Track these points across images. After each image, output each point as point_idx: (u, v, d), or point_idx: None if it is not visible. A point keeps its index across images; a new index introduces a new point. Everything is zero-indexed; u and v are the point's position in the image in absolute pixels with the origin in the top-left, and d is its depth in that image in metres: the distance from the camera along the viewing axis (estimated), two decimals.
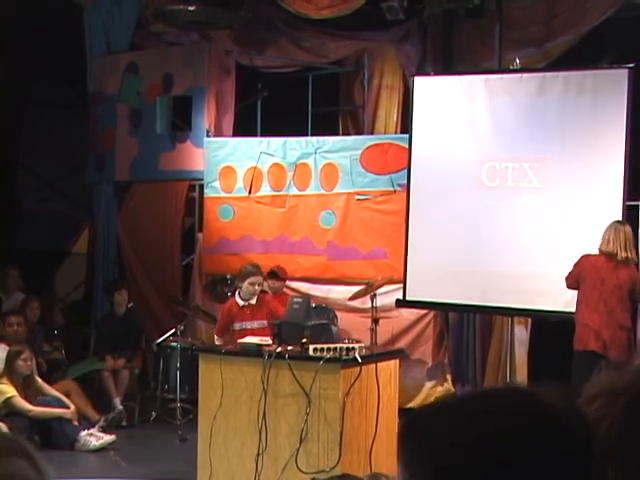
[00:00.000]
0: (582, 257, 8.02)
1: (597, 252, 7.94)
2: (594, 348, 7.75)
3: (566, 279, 8.09)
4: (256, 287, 8.40)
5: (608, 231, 7.93)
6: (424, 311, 10.03)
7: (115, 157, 11.67)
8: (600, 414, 1.51)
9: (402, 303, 9.69)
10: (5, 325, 9.59)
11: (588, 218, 8.65)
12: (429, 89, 9.63)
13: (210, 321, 10.28)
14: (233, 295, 8.69)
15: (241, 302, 8.44)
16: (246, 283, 8.38)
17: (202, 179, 10.94)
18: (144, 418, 9.80)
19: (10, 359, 8.95)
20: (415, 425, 1.36)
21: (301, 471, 6.64)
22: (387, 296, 9.68)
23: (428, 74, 10.14)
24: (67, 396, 9.18)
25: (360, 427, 6.82)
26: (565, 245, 8.78)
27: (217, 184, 10.78)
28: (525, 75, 9.21)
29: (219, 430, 6.98)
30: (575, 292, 8.08)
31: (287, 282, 9.87)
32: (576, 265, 8.00)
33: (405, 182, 9.66)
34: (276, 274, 9.48)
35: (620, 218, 8.30)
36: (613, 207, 8.53)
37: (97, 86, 11.87)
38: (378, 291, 9.17)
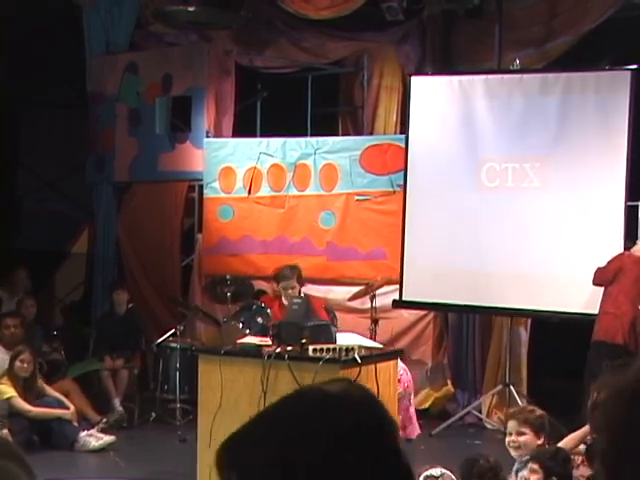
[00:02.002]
0: (622, 253, 8.15)
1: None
2: (620, 342, 7.80)
3: (600, 273, 8.08)
4: (289, 291, 8.36)
5: None
6: (424, 312, 10.03)
7: (115, 157, 11.67)
8: (610, 415, 1.53)
9: (399, 303, 9.69)
10: (2, 327, 9.57)
11: (589, 218, 8.66)
12: (427, 89, 9.63)
13: (210, 322, 10.28)
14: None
15: (286, 302, 8.52)
16: (280, 287, 8.49)
17: (202, 179, 10.94)
18: (144, 419, 9.79)
19: (12, 360, 8.95)
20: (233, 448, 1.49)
21: None
22: (386, 296, 9.68)
23: (425, 74, 10.15)
24: (66, 396, 9.17)
25: None
26: (566, 245, 8.78)
27: (217, 184, 10.78)
28: (525, 75, 9.21)
29: (219, 430, 6.96)
30: (574, 292, 8.08)
31: None
32: (615, 260, 8.08)
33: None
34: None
35: (622, 219, 8.34)
36: (614, 207, 8.54)
37: (96, 86, 11.87)
38: (377, 291, 9.17)
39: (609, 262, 8.09)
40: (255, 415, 1.50)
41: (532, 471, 5.09)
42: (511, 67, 9.53)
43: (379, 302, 9.13)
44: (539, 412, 5.58)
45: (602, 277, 8.10)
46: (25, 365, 8.92)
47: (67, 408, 8.98)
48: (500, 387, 9.56)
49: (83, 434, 8.80)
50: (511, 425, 5.60)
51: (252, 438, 1.43)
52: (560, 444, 5.64)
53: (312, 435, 1.37)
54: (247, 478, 1.40)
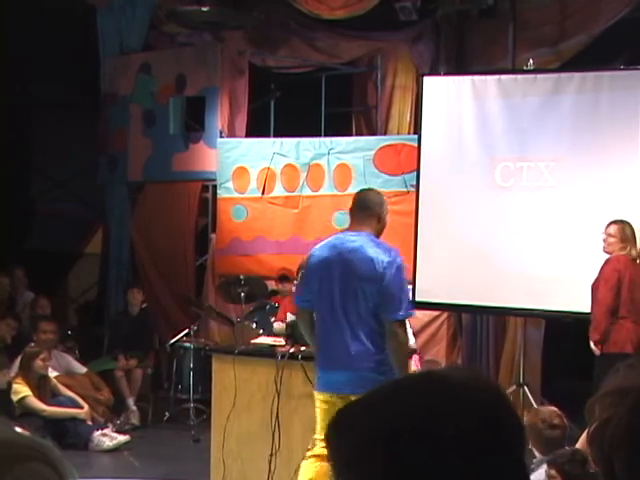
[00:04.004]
0: (612, 260, 7.88)
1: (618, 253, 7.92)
2: (629, 350, 7.66)
3: (608, 290, 7.80)
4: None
5: (625, 229, 7.89)
6: (437, 312, 10.02)
7: (128, 158, 11.68)
8: (609, 413, 1.53)
9: (412, 304, 9.67)
10: (39, 331, 9.60)
11: (604, 218, 8.60)
12: (440, 89, 9.61)
13: (223, 322, 10.29)
14: None
15: None
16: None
17: (215, 180, 10.94)
18: (157, 418, 9.82)
19: (26, 359, 8.98)
20: (343, 424, 1.35)
21: None
22: None
23: (438, 74, 10.13)
24: (97, 390, 9.37)
25: None
26: (581, 245, 8.74)
27: (230, 185, 10.79)
28: (539, 75, 9.18)
29: (232, 431, 6.97)
30: (589, 292, 8.02)
31: None
32: (614, 271, 7.81)
33: None
34: (287, 277, 9.58)
35: (638, 218, 8.29)
36: (630, 207, 8.50)
37: (110, 87, 11.89)
38: None
39: (611, 273, 7.87)
40: (379, 387, 1.38)
41: (551, 477, 5.03)
42: (525, 67, 9.51)
43: None
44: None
45: (612, 294, 7.88)
46: (46, 363, 8.98)
47: (81, 407, 9.02)
48: (514, 387, 9.53)
49: (97, 433, 8.82)
50: None
51: (364, 409, 1.34)
52: (577, 445, 5.60)
53: (425, 422, 1.27)
54: (346, 450, 1.30)
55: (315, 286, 5.74)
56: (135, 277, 11.56)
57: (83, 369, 9.80)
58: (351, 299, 5.59)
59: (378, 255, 5.55)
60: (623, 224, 7.93)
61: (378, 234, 5.74)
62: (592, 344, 7.79)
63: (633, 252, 7.90)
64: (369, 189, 6.25)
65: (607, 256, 7.94)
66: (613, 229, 7.90)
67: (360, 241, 5.64)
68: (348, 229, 5.85)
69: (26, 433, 1.32)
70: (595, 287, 7.90)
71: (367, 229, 5.69)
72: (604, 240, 7.95)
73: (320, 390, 5.83)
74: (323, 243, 5.84)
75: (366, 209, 5.76)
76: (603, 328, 7.75)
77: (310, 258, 5.82)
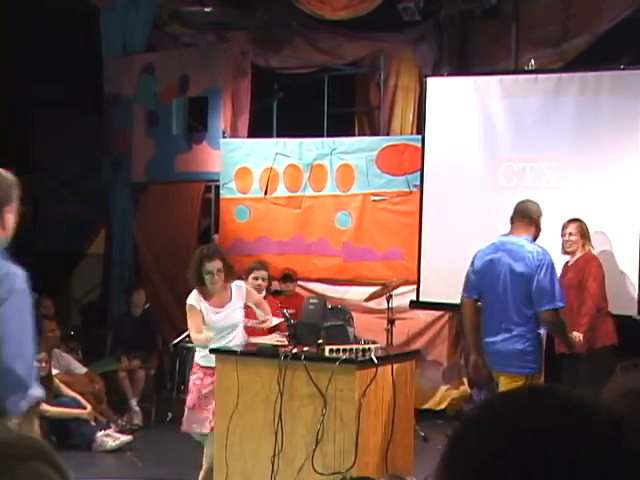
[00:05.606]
0: (594, 258, 8.10)
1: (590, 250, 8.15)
2: (614, 341, 7.95)
3: (598, 287, 8.05)
4: (260, 282, 8.26)
5: (583, 226, 8.10)
6: (440, 312, 10.01)
7: (131, 158, 11.69)
8: (631, 414, 1.52)
9: (416, 304, 9.68)
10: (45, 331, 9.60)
11: (606, 218, 8.61)
12: (443, 90, 9.61)
13: None
14: None
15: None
16: (250, 278, 8.26)
17: (218, 180, 10.95)
18: (160, 419, 9.82)
19: None
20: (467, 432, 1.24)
21: (317, 472, 6.63)
22: (403, 297, 9.66)
23: (441, 75, 10.13)
24: (92, 383, 9.37)
25: (376, 428, 6.81)
26: None
27: (233, 185, 10.79)
28: (540, 76, 9.18)
29: (235, 431, 6.97)
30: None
31: (303, 283, 9.92)
32: (599, 268, 8.07)
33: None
34: (290, 276, 9.57)
35: (639, 218, 8.33)
36: (631, 207, 8.50)
37: (113, 87, 11.90)
38: (394, 292, 9.16)
39: (600, 269, 8.08)
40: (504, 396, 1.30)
41: None
42: (526, 67, 9.51)
43: (395, 303, 9.12)
44: None
45: (602, 290, 8.10)
46: (43, 364, 8.96)
47: (84, 408, 9.02)
48: None
49: (100, 434, 8.83)
50: None
51: (484, 422, 1.21)
52: None
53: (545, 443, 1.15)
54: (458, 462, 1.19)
55: (482, 280, 6.82)
56: (138, 278, 11.56)
57: (83, 369, 9.80)
58: (510, 291, 6.65)
59: (532, 255, 6.60)
60: (580, 222, 8.15)
61: (534, 238, 6.79)
62: (579, 337, 7.88)
63: (590, 249, 8.13)
64: (528, 200, 7.03)
65: (579, 255, 8.12)
66: (573, 227, 8.11)
67: (519, 243, 6.74)
68: (509, 233, 6.88)
69: (25, 433, 1.32)
70: (579, 284, 8.03)
71: (525, 234, 6.77)
72: (565, 240, 8.08)
73: None
74: (488, 244, 6.98)
75: (526, 217, 6.85)
76: (591, 323, 7.97)
77: (476, 258, 6.96)
